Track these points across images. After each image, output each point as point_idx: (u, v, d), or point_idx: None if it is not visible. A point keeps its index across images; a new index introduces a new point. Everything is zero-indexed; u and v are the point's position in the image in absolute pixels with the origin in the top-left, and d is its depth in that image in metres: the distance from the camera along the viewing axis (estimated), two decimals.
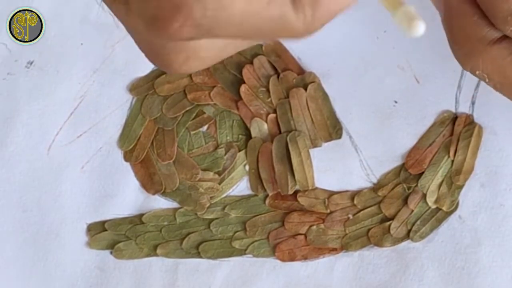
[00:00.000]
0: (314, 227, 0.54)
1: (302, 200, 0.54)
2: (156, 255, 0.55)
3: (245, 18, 0.30)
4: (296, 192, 0.54)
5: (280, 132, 0.55)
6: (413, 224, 0.53)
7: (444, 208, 0.53)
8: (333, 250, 0.54)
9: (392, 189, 0.54)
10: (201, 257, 0.54)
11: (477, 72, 0.42)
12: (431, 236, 0.53)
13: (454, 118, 0.54)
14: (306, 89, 0.55)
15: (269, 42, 0.32)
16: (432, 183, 0.54)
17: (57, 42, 0.57)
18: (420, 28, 0.31)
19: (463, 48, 0.42)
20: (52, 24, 0.57)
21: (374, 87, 0.55)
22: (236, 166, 0.55)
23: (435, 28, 0.55)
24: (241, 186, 0.55)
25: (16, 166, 0.56)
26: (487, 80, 0.42)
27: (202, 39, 0.32)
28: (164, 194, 0.55)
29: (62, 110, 0.56)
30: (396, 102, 0.55)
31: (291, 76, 0.55)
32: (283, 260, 0.54)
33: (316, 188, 0.54)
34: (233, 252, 0.54)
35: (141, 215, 0.55)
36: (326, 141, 0.55)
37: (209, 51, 0.33)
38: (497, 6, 0.39)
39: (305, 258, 0.54)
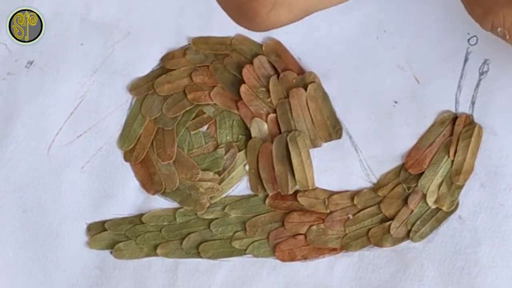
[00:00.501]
0: (314, 227, 0.54)
1: (302, 200, 0.54)
2: (156, 255, 0.54)
3: None
4: (296, 192, 0.54)
5: (280, 132, 0.55)
6: (413, 224, 0.53)
7: (444, 208, 0.53)
8: (333, 250, 0.54)
9: (392, 189, 0.54)
10: (201, 257, 0.54)
11: (499, 30, 0.41)
12: (431, 236, 0.53)
13: (454, 118, 0.54)
14: (306, 89, 0.55)
15: None
16: (432, 183, 0.54)
17: (57, 42, 0.57)
18: None
19: (483, 5, 0.41)
20: (52, 24, 0.57)
21: (374, 87, 0.55)
22: (236, 166, 0.55)
23: (435, 28, 0.56)
24: (241, 186, 0.55)
25: (16, 166, 0.56)
26: (507, 37, 0.41)
27: None
28: (164, 194, 0.55)
29: (62, 110, 0.56)
30: (396, 102, 0.55)
31: (291, 76, 0.55)
32: (283, 260, 0.54)
33: (316, 188, 0.54)
34: (233, 252, 0.54)
35: (141, 215, 0.55)
36: (326, 141, 0.55)
37: None
38: None
39: (305, 258, 0.54)
